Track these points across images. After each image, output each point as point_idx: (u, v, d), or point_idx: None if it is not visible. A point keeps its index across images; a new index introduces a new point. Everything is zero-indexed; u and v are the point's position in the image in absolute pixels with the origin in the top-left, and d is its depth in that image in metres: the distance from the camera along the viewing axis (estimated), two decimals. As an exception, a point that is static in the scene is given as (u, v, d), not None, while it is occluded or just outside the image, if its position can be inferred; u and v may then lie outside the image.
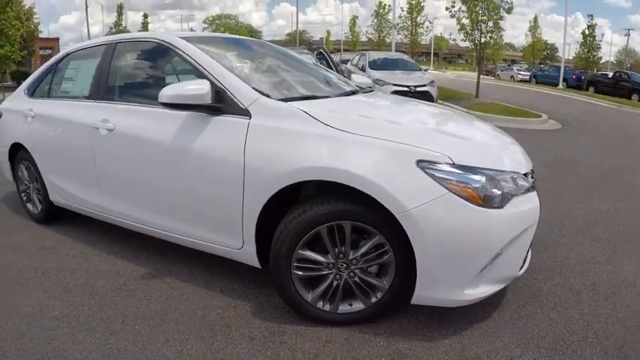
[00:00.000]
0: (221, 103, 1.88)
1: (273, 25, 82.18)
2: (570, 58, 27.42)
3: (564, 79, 24.49)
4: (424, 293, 1.65)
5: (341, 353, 1.66)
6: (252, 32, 52.95)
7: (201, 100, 1.84)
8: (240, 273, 2.22)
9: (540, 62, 35.00)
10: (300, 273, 1.74)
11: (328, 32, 48.82)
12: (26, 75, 19.61)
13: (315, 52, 8.24)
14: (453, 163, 1.57)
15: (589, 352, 1.69)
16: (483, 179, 1.58)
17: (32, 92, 3.19)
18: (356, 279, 1.75)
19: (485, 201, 1.57)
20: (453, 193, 1.53)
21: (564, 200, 3.65)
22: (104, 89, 2.53)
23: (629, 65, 44.55)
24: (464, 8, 11.60)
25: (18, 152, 3.21)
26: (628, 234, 2.97)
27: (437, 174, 1.54)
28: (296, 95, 2.13)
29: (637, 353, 1.69)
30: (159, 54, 2.44)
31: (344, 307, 1.79)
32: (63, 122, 2.73)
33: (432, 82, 9.82)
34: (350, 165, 1.57)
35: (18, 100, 3.30)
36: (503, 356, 1.66)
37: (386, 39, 23.42)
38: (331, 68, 4.85)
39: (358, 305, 1.79)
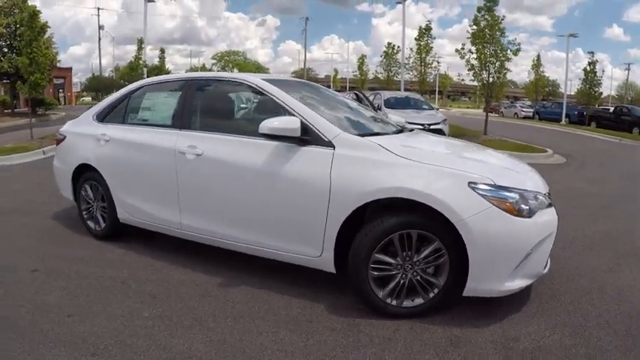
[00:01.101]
0: (307, 136, 2.46)
1: (278, 62, 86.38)
2: (572, 93, 28.52)
3: (567, 115, 25.50)
4: (474, 286, 2.21)
5: (409, 338, 2.18)
6: (260, 69, 55.34)
7: (293, 133, 2.42)
8: (307, 280, 2.73)
9: (542, 99, 36.10)
10: (375, 273, 2.30)
11: (335, 70, 51.06)
12: (41, 102, 20.35)
13: (351, 94, 9.11)
14: (495, 184, 2.19)
15: (603, 333, 2.23)
16: (516, 196, 2.20)
17: (102, 118, 3.68)
18: (418, 278, 2.30)
19: (519, 212, 2.17)
20: (495, 206, 2.15)
21: (573, 223, 4.23)
22: (187, 119, 3.06)
23: (629, 99, 45.79)
24: (473, 49, 12.57)
25: (83, 173, 3.66)
26: (628, 250, 3.58)
27: (483, 192, 2.17)
28: (365, 131, 2.77)
29: None
30: (241, 92, 3.16)
31: (407, 302, 2.34)
32: (143, 147, 3.20)
33: (445, 120, 10.61)
34: (422, 186, 2.20)
35: (85, 124, 3.77)
36: (536, 336, 2.20)
37: (394, 78, 24.63)
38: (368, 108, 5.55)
39: (419, 300, 2.33)
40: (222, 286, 2.73)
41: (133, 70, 22.17)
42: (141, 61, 21.49)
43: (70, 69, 38.83)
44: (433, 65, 20.75)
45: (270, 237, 2.61)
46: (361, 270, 2.27)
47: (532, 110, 29.73)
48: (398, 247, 2.26)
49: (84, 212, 3.75)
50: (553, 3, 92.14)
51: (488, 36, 12.32)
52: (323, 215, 2.35)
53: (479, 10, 12.22)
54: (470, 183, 2.19)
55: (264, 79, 2.92)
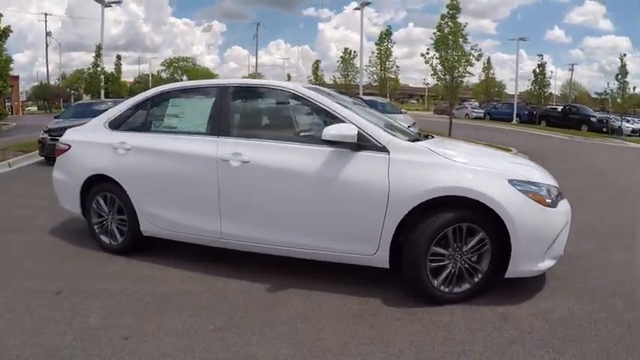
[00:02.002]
0: (362, 142, 2.73)
1: (224, 67, 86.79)
2: (516, 94, 30.97)
3: (517, 115, 27.78)
4: (514, 269, 2.65)
5: (466, 319, 2.54)
6: (209, 75, 55.10)
7: (352, 140, 2.68)
8: (352, 278, 3.00)
9: (488, 100, 38.65)
10: (432, 264, 2.65)
11: (289, 76, 51.69)
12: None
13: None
14: (527, 180, 2.67)
15: (613, 300, 2.79)
16: (545, 189, 2.66)
17: (117, 126, 3.64)
18: (465, 266, 2.70)
19: (547, 203, 2.65)
20: (531, 199, 2.60)
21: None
22: (226, 126, 3.15)
23: (573, 97, 50.33)
24: (437, 55, 13.54)
25: (95, 185, 3.58)
26: (610, 234, 4.37)
27: (520, 188, 2.63)
28: (408, 137, 3.10)
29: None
30: (284, 100, 3.35)
31: (456, 289, 2.72)
32: (175, 155, 3.22)
33: (414, 123, 11.31)
34: (474, 184, 2.59)
35: (95, 132, 3.70)
36: (564, 307, 2.69)
37: (352, 82, 25.55)
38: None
39: (465, 285, 2.72)
40: (272, 291, 2.89)
41: (92, 78, 21.38)
42: (99, 69, 20.78)
43: (17, 77, 36.37)
44: (392, 69, 21.81)
45: (323, 239, 2.85)
46: (420, 262, 2.61)
47: (482, 111, 31.89)
48: (451, 239, 2.63)
49: (95, 226, 3.67)
50: (496, 7, 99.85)
51: (451, 42, 13.34)
52: (381, 215, 2.65)
53: (442, 17, 13.22)
54: (510, 180, 2.64)
55: (308, 88, 3.18)
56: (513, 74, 34.77)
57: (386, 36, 20.62)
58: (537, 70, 27.58)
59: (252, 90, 3.54)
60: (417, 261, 2.62)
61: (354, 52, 25.70)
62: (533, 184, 2.70)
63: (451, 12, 13.18)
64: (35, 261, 3.45)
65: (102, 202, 3.61)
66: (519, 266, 2.65)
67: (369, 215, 2.69)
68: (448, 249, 2.66)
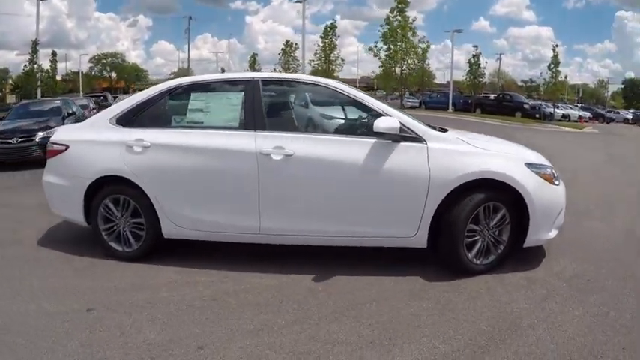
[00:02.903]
0: (402, 134, 3.02)
1: (151, 63, 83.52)
2: (444, 82, 33.30)
3: (453, 103, 29.91)
4: (532, 238, 3.17)
5: (500, 284, 3.00)
6: (138, 70, 52.73)
7: (396, 132, 2.97)
8: (382, 260, 3.32)
9: (418, 90, 40.94)
10: (468, 240, 3.07)
11: (223, 69, 50.66)
12: None
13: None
14: (537, 163, 3.19)
15: (606, 260, 3.44)
16: (549, 170, 3.19)
17: (126, 122, 3.47)
18: (491, 239, 3.16)
19: (553, 182, 3.17)
20: (542, 178, 3.10)
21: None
22: (262, 120, 3.21)
23: (500, 85, 54.86)
24: (385, 47, 14.37)
25: (103, 187, 3.42)
26: (587, 208, 5.07)
27: (534, 170, 3.13)
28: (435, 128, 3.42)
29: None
30: (319, 94, 3.52)
31: (485, 260, 3.17)
32: (207, 151, 3.19)
33: None
34: (502, 169, 3.04)
35: (100, 130, 3.51)
36: (572, 268, 3.30)
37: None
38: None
39: (492, 257, 3.19)
40: (319, 281, 3.05)
41: (29, 77, 20.05)
42: (36, 66, 19.38)
43: None
44: (337, 62, 22.49)
45: (366, 226, 3.11)
46: (459, 239, 3.01)
47: (418, 100, 33.87)
48: (481, 217, 3.07)
49: (104, 233, 3.50)
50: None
51: (400, 35, 14.21)
52: (422, 199, 2.99)
53: (392, 10, 14.02)
54: (526, 163, 3.14)
55: (338, 83, 3.41)
56: (440, 64, 37.30)
57: (331, 29, 21.18)
58: (472, 61, 29.82)
59: (284, 83, 3.65)
60: (456, 238, 3.02)
61: (296, 44, 26.04)
62: (542, 166, 3.24)
63: (400, 6, 14.00)
64: (46, 278, 3.22)
65: (112, 206, 3.46)
66: (535, 236, 3.18)
67: (412, 200, 3.02)
68: (479, 225, 3.09)
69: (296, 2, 21.67)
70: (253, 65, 35.05)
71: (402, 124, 3.06)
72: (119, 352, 2.27)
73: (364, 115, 3.22)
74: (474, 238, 3.10)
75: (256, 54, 36.96)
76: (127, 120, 3.51)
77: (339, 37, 21.91)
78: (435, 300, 2.80)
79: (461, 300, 2.80)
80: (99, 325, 2.54)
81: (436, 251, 3.16)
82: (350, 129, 3.34)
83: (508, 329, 2.44)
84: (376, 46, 14.74)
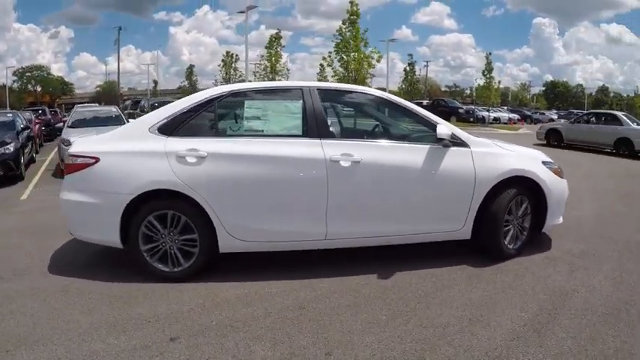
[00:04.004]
0: (452, 139, 3.50)
1: (72, 76, 78.52)
2: (387, 90, 35.69)
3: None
4: (548, 224, 3.91)
5: (530, 264, 3.65)
6: (64, 84, 49.91)
7: (450, 138, 3.47)
8: (424, 255, 3.80)
9: None
10: (504, 229, 3.71)
11: (155, 82, 49.41)
12: None
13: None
14: (548, 161, 3.95)
15: (597, 240, 4.29)
16: (556, 165, 3.97)
17: (171, 131, 3.35)
18: (518, 227, 3.83)
19: (560, 175, 3.96)
20: (554, 173, 3.87)
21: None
22: (324, 128, 3.41)
23: (426, 92, 58.89)
24: (337, 58, 15.21)
25: (145, 203, 3.23)
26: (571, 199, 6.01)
27: (548, 166, 3.89)
28: None
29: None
30: (373, 103, 3.91)
31: (515, 245, 3.82)
32: (273, 160, 3.26)
33: None
34: (528, 167, 3.71)
35: (139, 139, 3.35)
36: (576, 248, 4.08)
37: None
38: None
39: (519, 242, 3.85)
40: (383, 279, 3.34)
41: None
42: None
43: None
44: (283, 72, 23.00)
45: (423, 223, 3.54)
46: (499, 228, 3.61)
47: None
48: (513, 208, 3.71)
49: (146, 254, 3.32)
50: (347, 8, 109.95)
51: (352, 46, 15.13)
52: (469, 196, 3.53)
53: (344, 22, 14.89)
54: (542, 161, 3.89)
55: (388, 94, 3.84)
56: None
57: (276, 39, 21.64)
58: (408, 69, 31.95)
59: (340, 93, 3.92)
60: (498, 228, 3.62)
61: (236, 55, 26.13)
62: (551, 162, 4.01)
63: (352, 18, 14.93)
64: (90, 311, 2.92)
65: (156, 223, 3.29)
66: (551, 222, 3.93)
67: (461, 197, 3.54)
68: (510, 215, 3.75)
69: (239, 13, 21.88)
70: (190, 77, 34.33)
71: (452, 131, 3.62)
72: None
73: (415, 123, 3.73)
74: (507, 227, 3.75)
75: (193, 65, 36.36)
76: (171, 129, 3.38)
77: (284, 46, 22.47)
78: (492, 282, 3.33)
79: (510, 279, 3.39)
80: (199, 353, 2.41)
81: (478, 241, 3.74)
82: (404, 136, 3.77)
83: (560, 295, 3.07)
84: (329, 56, 15.50)
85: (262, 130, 3.49)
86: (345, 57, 15.52)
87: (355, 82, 16.03)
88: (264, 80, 23.02)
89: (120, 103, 25.53)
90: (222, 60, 27.00)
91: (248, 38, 20.06)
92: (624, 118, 13.49)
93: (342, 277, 3.41)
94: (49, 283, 3.39)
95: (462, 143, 3.62)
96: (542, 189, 3.77)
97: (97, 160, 3.32)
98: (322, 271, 3.50)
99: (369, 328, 2.65)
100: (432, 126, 3.58)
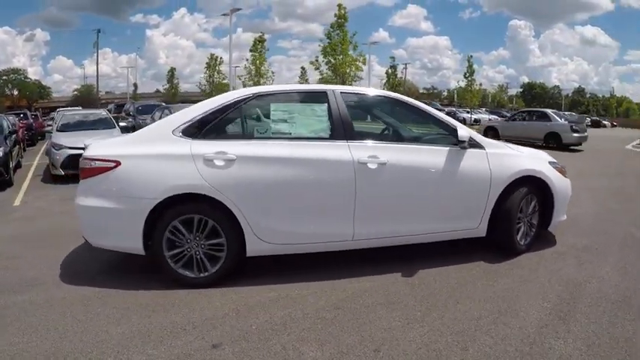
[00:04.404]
0: (469, 142, 3.73)
1: (49, 80, 76.64)
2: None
3: (374, 112, 32.42)
4: (554, 221, 4.19)
5: (541, 259, 3.92)
6: (42, 88, 49.07)
7: (469, 140, 3.69)
8: (440, 254, 4.00)
9: None
10: (517, 226, 3.96)
11: (136, 85, 48.98)
12: None
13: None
14: (552, 161, 4.24)
15: (598, 235, 4.66)
16: (560, 165, 4.27)
17: (196, 134, 3.36)
18: (528, 225, 4.10)
19: (565, 175, 4.26)
20: (558, 172, 4.17)
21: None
22: (350, 131, 3.50)
23: (404, 92, 60.04)
24: (324, 60, 15.46)
25: (170, 208, 3.20)
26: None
27: (554, 166, 4.18)
28: None
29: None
30: (393, 106, 4.09)
31: (525, 242, 4.08)
32: (302, 162, 3.31)
33: None
34: (537, 167, 3.98)
35: (162, 142, 3.32)
36: (579, 243, 4.38)
37: (224, 89, 25.92)
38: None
39: (529, 238, 4.11)
40: (408, 277, 3.51)
41: None
42: None
43: None
44: (268, 75, 23.13)
45: (444, 222, 3.73)
46: (512, 225, 3.85)
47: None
48: (523, 206, 3.96)
49: (170, 260, 3.30)
50: (324, 11, 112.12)
51: (340, 49, 15.41)
52: (486, 195, 3.74)
53: (332, 26, 15.15)
54: (549, 162, 4.17)
55: (407, 98, 4.03)
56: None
57: (260, 42, 21.73)
58: (390, 71, 32.54)
59: (362, 96, 4.03)
60: (512, 225, 3.86)
61: (221, 58, 26.10)
62: (556, 162, 4.31)
63: (340, 21, 15.21)
64: (117, 321, 2.88)
65: (182, 228, 3.27)
66: (557, 219, 4.22)
67: (479, 197, 3.75)
68: (521, 213, 4.01)
69: (223, 15, 21.85)
70: (172, 80, 34.02)
71: (469, 133, 3.84)
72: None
73: (433, 126, 3.93)
74: (518, 225, 4.01)
75: (174, 68, 36.08)
76: (196, 131, 3.38)
77: (268, 49, 22.58)
78: (510, 276, 3.56)
79: (526, 273, 3.62)
80: (248, 358, 2.46)
81: (493, 238, 3.97)
82: (423, 138, 3.96)
83: (574, 286, 3.32)
84: (317, 60, 15.75)
85: (289, 133, 3.55)
86: (333, 60, 15.76)
87: (343, 85, 16.29)
88: (250, 83, 23.11)
89: (98, 106, 25.14)
90: (207, 63, 26.93)
91: (226, 41, 20.12)
92: (553, 115, 15.25)
93: (367, 276, 3.54)
94: (65, 294, 3.30)
95: (477, 145, 3.85)
96: (550, 188, 4.06)
97: (118, 163, 3.26)
98: (344, 271, 3.61)
99: (408, 324, 2.80)
100: (450, 128, 3.80)
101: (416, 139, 4.00)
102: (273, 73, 23.15)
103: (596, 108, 66.64)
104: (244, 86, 23.80)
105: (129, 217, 3.23)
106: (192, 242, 3.32)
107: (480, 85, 29.60)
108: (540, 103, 72.51)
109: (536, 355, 2.42)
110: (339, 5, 15.33)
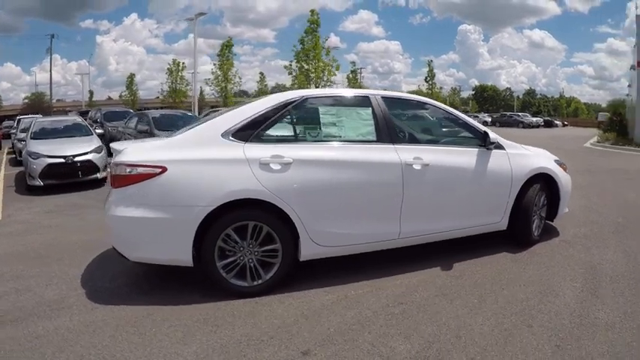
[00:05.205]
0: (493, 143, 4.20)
1: None
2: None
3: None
4: (560, 213, 4.81)
5: (553, 247, 4.50)
6: None
7: (495, 141, 4.18)
8: (457, 250, 4.42)
9: None
10: (533, 219, 4.51)
11: (91, 92, 47.20)
12: None
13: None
14: (557, 159, 4.88)
15: (594, 225, 5.39)
16: (562, 161, 4.91)
17: (247, 137, 3.37)
18: (539, 217, 4.66)
19: (566, 170, 4.89)
20: (562, 168, 4.82)
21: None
22: (394, 134, 3.80)
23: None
24: (298, 66, 15.87)
25: (222, 216, 3.17)
26: None
27: (558, 163, 4.82)
28: None
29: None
30: (429, 111, 4.50)
31: (538, 233, 4.64)
32: (354, 164, 3.49)
33: None
34: (548, 165, 4.58)
35: (212, 146, 3.30)
36: (580, 232, 5.06)
37: (185, 96, 25.67)
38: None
39: (540, 230, 4.68)
40: (447, 270, 3.86)
41: None
42: None
43: None
44: (235, 81, 23.19)
45: (475, 217, 4.15)
46: (529, 218, 4.38)
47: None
48: (537, 200, 4.54)
49: (223, 271, 3.28)
50: (276, 16, 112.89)
51: (312, 55, 15.86)
52: (508, 191, 4.24)
53: (306, 31, 15.56)
54: (554, 160, 4.78)
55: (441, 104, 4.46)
56: (288, 81, 41.66)
57: (227, 47, 21.73)
58: (350, 76, 33.42)
59: (401, 101, 4.34)
60: (529, 218, 4.39)
61: (183, 63, 25.81)
62: (559, 160, 4.92)
63: (312, 26, 15.66)
64: (182, 339, 2.80)
65: (235, 236, 3.27)
66: (562, 211, 4.84)
67: (502, 193, 4.24)
68: (535, 207, 4.57)
69: (186, 20, 21.57)
70: (131, 86, 33.11)
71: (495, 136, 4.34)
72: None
73: (460, 129, 4.40)
74: (533, 217, 4.57)
75: (134, 74, 35.30)
76: (247, 135, 3.39)
77: (235, 54, 22.65)
78: (534, 263, 4.07)
79: (546, 260, 4.16)
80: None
81: (513, 231, 4.45)
82: (454, 140, 4.40)
83: (591, 268, 3.90)
84: (290, 65, 16.08)
85: (340, 136, 3.71)
86: (306, 65, 16.17)
87: (316, 89, 16.70)
88: (217, 88, 23.06)
89: (51, 114, 24.09)
90: (168, 69, 26.50)
91: (177, 47, 19.97)
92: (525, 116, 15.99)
93: (409, 273, 3.84)
94: (104, 315, 3.12)
95: (499, 146, 4.36)
96: (557, 183, 4.67)
97: (164, 169, 3.15)
98: (384, 270, 3.87)
99: (471, 310, 3.15)
100: (477, 132, 4.29)
101: (447, 142, 4.43)
102: (240, 78, 23.23)
103: (547, 108, 71.42)
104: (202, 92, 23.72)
105: (177, 226, 3.13)
106: (245, 250, 3.29)
107: (441, 88, 31.29)
108: (492, 105, 76.79)
109: (588, 325, 2.89)
110: (312, 11, 15.80)
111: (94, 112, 16.37)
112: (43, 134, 9.78)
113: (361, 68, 62.89)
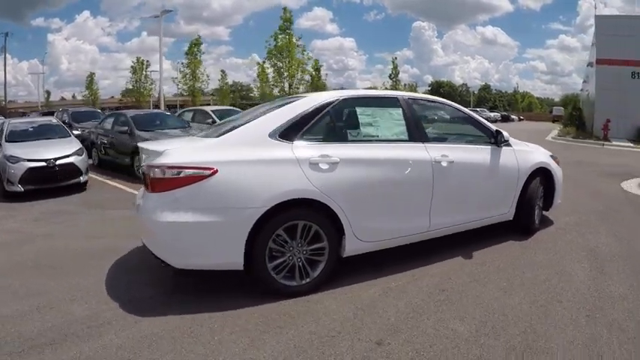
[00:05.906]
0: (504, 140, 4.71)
1: None
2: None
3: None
4: (555, 203, 5.46)
5: (553, 233, 5.12)
6: None
7: (506, 139, 4.70)
8: (462, 245, 4.90)
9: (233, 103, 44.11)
10: (536, 210, 5.09)
11: (48, 92, 45.19)
12: None
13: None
14: (551, 154, 5.53)
15: (590, 215, 6.06)
16: (555, 156, 5.56)
17: (293, 137, 3.48)
18: (539, 207, 5.26)
19: (559, 163, 5.54)
20: (555, 162, 5.46)
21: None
22: (423, 133, 4.14)
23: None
24: (271, 63, 16.12)
25: (274, 216, 3.21)
26: None
27: (552, 157, 5.47)
28: None
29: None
30: (447, 111, 4.95)
31: (538, 221, 5.24)
32: (392, 162, 3.77)
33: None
34: (545, 159, 5.20)
35: (262, 147, 3.35)
36: (571, 220, 5.76)
37: (149, 95, 25.18)
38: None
39: (539, 219, 5.28)
40: (468, 259, 4.24)
41: None
42: None
43: None
44: (203, 80, 23.03)
45: (489, 209, 4.65)
46: (532, 208, 4.96)
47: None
48: (538, 192, 5.13)
49: (273, 272, 3.33)
50: (230, 14, 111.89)
51: (286, 52, 16.16)
52: (515, 184, 4.79)
53: (280, 28, 15.82)
54: (549, 155, 5.40)
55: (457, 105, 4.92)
56: (248, 78, 40.94)
57: (195, 45, 21.52)
58: (314, 74, 33.77)
59: (426, 102, 4.74)
60: (533, 208, 4.98)
61: (147, 61, 25.26)
62: (553, 155, 5.55)
63: (285, 24, 15.94)
64: (268, 346, 2.79)
65: (285, 236, 3.34)
66: (556, 202, 5.47)
67: (511, 186, 4.78)
68: (537, 200, 5.16)
69: (153, 17, 21.18)
70: (91, 86, 31.95)
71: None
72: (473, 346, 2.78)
73: (473, 128, 4.85)
74: (535, 208, 5.15)
75: (94, 73, 34.23)
76: (293, 134, 3.50)
77: (203, 53, 22.42)
78: (541, 249, 4.63)
79: (550, 245, 4.74)
80: (418, 345, 2.80)
81: (519, 221, 4.98)
82: (469, 138, 4.83)
83: (592, 251, 4.52)
84: (264, 63, 16.27)
85: (377, 136, 3.96)
86: (279, 63, 16.41)
87: (290, 88, 17.00)
88: (185, 87, 22.80)
89: (7, 116, 22.90)
90: (132, 66, 25.82)
91: (129, 46, 19.65)
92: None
93: (436, 263, 4.20)
94: (153, 329, 3.02)
95: (507, 143, 4.89)
96: (553, 176, 5.30)
97: (215, 171, 3.12)
98: (410, 262, 4.17)
99: (505, 293, 3.58)
100: (488, 131, 4.81)
101: (466, 140, 4.88)
102: (208, 77, 23.05)
103: (502, 103, 74.89)
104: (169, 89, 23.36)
105: (230, 229, 3.14)
106: (294, 249, 3.39)
107: (405, 85, 32.33)
108: (449, 100, 79.23)
109: (606, 298, 3.45)
110: (285, 9, 16.04)
111: (60, 113, 15.78)
112: (18, 136, 9.30)
113: (320, 66, 63.75)
